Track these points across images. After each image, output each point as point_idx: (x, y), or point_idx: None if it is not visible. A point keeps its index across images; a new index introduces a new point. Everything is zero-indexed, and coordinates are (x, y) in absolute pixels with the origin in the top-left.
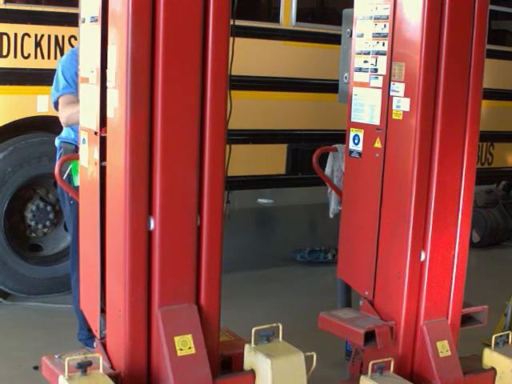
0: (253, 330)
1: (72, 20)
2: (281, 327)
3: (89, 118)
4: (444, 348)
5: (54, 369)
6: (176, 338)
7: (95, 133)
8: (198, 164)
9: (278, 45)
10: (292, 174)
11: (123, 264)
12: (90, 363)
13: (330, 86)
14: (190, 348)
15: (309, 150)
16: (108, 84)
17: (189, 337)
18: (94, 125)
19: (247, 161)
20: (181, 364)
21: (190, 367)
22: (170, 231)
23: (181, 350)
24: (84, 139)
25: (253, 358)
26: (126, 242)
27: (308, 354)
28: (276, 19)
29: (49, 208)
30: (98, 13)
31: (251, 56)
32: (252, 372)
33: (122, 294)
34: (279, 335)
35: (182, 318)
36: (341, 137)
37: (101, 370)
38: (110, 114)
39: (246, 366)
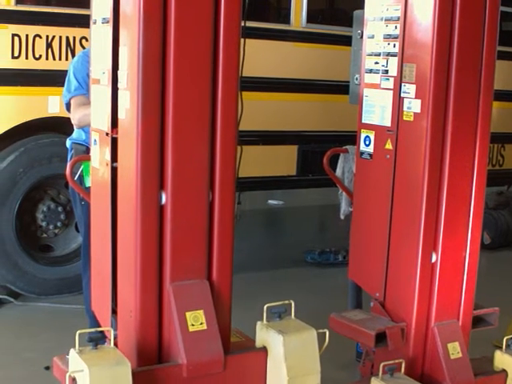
0: (265, 307)
1: (83, 21)
2: (293, 304)
3: (100, 119)
4: (455, 350)
5: (65, 369)
6: (188, 314)
7: (106, 134)
8: (209, 164)
9: (288, 46)
10: (303, 175)
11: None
12: (101, 337)
13: (340, 87)
14: (201, 324)
15: (319, 151)
16: (119, 85)
17: (200, 312)
18: (106, 126)
19: (258, 162)
20: (192, 339)
21: (201, 343)
22: (181, 206)
23: (192, 325)
24: (95, 140)
25: (265, 334)
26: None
27: (321, 331)
28: (286, 20)
29: (60, 209)
30: (109, 14)
31: (261, 57)
32: (264, 349)
33: (133, 288)
34: (291, 312)
35: (194, 293)
36: (351, 138)
37: (112, 344)
38: (121, 115)
39: (258, 343)
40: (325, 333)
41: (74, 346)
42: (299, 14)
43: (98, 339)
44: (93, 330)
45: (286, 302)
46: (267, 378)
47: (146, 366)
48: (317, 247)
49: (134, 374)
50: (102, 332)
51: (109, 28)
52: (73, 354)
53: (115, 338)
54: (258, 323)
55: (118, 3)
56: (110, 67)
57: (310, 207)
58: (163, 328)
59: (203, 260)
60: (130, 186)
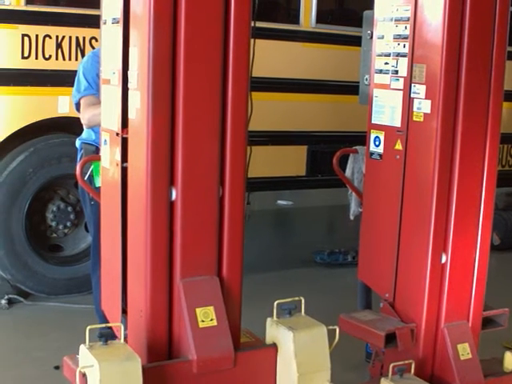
0: (275, 304)
1: (93, 21)
2: (303, 301)
3: (110, 119)
4: (465, 351)
5: (75, 368)
6: (198, 310)
7: (117, 134)
8: (219, 161)
9: (297, 46)
10: (312, 176)
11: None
12: (111, 334)
13: (349, 88)
14: (211, 320)
15: (328, 151)
16: (129, 85)
17: (211, 309)
18: (116, 126)
19: (267, 162)
20: (202, 335)
21: (211, 339)
22: (191, 202)
23: (202, 321)
24: (105, 140)
25: (275, 331)
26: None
27: (331, 327)
28: (295, 21)
29: (69, 209)
30: (119, 14)
31: (270, 57)
32: (274, 345)
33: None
34: (301, 309)
35: (204, 289)
36: (360, 138)
37: (122, 340)
38: (131, 115)
39: (268, 339)
40: (335, 330)
41: (85, 342)
42: (308, 15)
43: (108, 335)
44: (103, 325)
45: (296, 298)
46: (277, 375)
47: (156, 362)
48: (326, 248)
49: (144, 369)
50: (111, 328)
51: (119, 28)
52: (83, 350)
53: (125, 334)
54: (268, 319)
55: (128, 3)
56: (120, 67)
57: (318, 207)
58: (173, 324)
59: (213, 256)
60: (140, 186)
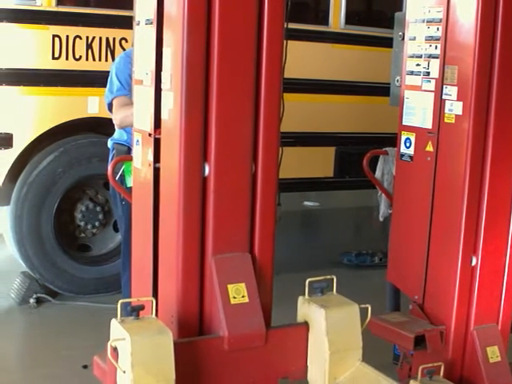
0: (307, 282)
1: (123, 22)
2: (335, 279)
3: (143, 120)
4: (494, 354)
5: (105, 368)
6: (229, 286)
7: (149, 134)
8: (252, 164)
9: (327, 47)
10: (340, 177)
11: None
12: (142, 307)
13: (377, 89)
14: (243, 297)
15: (356, 152)
16: (163, 86)
17: (242, 285)
18: (148, 126)
19: (295, 163)
20: (234, 312)
21: (243, 315)
22: (224, 178)
23: (234, 298)
24: (138, 141)
25: (306, 309)
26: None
27: (363, 306)
28: (325, 22)
29: (98, 208)
30: (153, 15)
31: (300, 59)
32: (305, 324)
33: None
34: (333, 288)
35: (236, 266)
36: (388, 140)
37: (153, 315)
38: (164, 115)
39: (300, 318)
40: (367, 308)
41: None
42: (338, 16)
43: (139, 309)
44: (134, 299)
45: (328, 277)
46: (308, 353)
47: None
48: (353, 249)
49: (175, 344)
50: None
51: (152, 29)
52: (114, 324)
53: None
54: (300, 298)
55: (162, 4)
56: (153, 68)
57: (345, 209)
58: (205, 301)
59: (245, 233)
60: (172, 187)
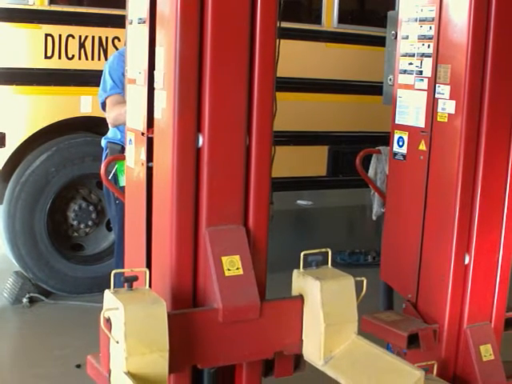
0: (301, 254)
1: (116, 21)
2: (330, 253)
3: (136, 119)
4: (487, 352)
5: (99, 367)
6: (223, 258)
7: (142, 133)
8: (244, 162)
9: (320, 46)
10: (333, 176)
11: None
12: (136, 278)
13: (370, 88)
14: (237, 269)
15: (350, 151)
16: (155, 85)
17: (237, 257)
18: (141, 126)
19: (288, 162)
20: (228, 284)
21: (237, 287)
22: (218, 149)
23: (228, 270)
24: (131, 140)
25: (301, 282)
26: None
27: (358, 279)
28: (318, 21)
29: (91, 208)
30: (145, 14)
31: (292, 57)
32: (300, 297)
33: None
34: (328, 261)
35: (230, 238)
36: (382, 139)
37: (147, 286)
38: (157, 114)
39: (294, 291)
40: (362, 281)
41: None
42: (331, 15)
43: (133, 280)
44: (128, 269)
45: (323, 250)
46: (303, 326)
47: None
48: (346, 248)
49: (168, 316)
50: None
51: (145, 28)
52: (108, 295)
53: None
54: (295, 271)
55: (154, 3)
56: (146, 67)
57: (338, 208)
58: (198, 273)
59: (240, 205)
60: (165, 186)
